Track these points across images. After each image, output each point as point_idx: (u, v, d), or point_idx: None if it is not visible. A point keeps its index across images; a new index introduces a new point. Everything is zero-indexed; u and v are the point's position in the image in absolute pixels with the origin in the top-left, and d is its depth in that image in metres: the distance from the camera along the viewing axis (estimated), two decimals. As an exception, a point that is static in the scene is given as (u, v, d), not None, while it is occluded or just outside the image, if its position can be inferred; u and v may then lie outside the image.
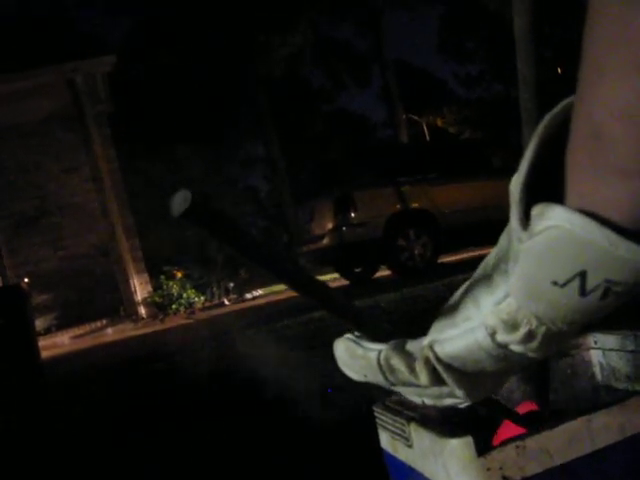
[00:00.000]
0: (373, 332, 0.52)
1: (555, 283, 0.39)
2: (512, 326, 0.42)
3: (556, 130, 0.41)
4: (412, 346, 0.48)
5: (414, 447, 0.74)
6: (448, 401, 0.51)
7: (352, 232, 8.80)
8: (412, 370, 0.47)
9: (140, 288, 12.74)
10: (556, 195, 0.40)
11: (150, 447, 2.45)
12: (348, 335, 0.53)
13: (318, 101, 29.00)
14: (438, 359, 0.46)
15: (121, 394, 3.97)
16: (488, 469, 0.63)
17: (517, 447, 0.64)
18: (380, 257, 9.19)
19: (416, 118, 28.08)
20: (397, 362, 0.47)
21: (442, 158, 9.72)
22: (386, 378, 0.49)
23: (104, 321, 12.04)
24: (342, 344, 0.53)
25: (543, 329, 0.42)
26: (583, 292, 0.38)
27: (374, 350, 0.50)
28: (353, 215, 8.84)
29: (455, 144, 14.39)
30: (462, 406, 0.57)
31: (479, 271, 0.47)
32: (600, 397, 0.92)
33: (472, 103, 31.78)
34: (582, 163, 0.38)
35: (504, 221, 0.44)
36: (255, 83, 24.01)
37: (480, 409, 0.76)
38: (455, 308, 0.48)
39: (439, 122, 31.49)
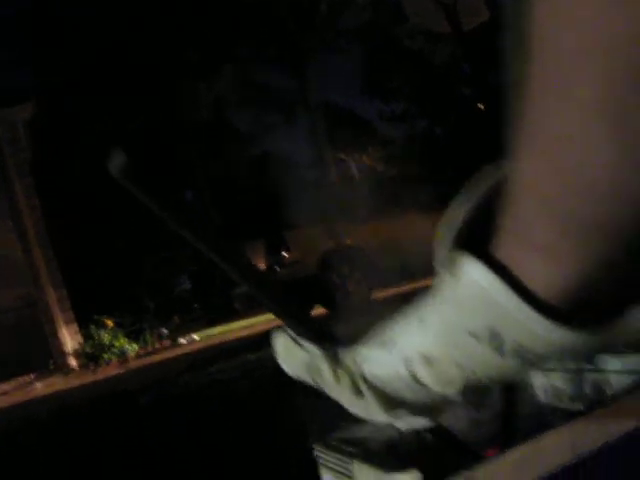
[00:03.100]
0: (310, 332, 0.51)
1: (472, 335, 0.39)
2: (432, 366, 0.42)
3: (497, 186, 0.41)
4: (343, 354, 0.48)
5: (359, 485, 0.70)
6: (377, 417, 0.50)
7: (285, 272, 8.79)
8: (337, 378, 0.47)
9: (70, 339, 12.39)
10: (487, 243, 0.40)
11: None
12: (288, 330, 0.53)
13: (245, 144, 29.09)
14: (361, 374, 0.46)
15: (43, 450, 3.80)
16: (438, 503, 0.60)
17: (466, 478, 0.61)
18: (314, 295, 9.19)
19: (343, 157, 28.43)
20: (325, 367, 0.48)
21: (371, 195, 9.85)
22: (314, 380, 0.50)
23: (32, 375, 11.62)
24: (281, 338, 0.53)
25: (462, 376, 0.42)
26: (498, 350, 0.38)
27: (307, 351, 0.50)
28: (286, 255, 8.84)
29: (383, 181, 14.64)
30: (404, 429, 0.55)
31: (418, 301, 0.46)
32: (547, 419, 0.91)
33: (398, 140, 32.45)
34: (505, 228, 0.38)
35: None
36: (181, 128, 23.94)
37: (425, 436, 0.73)
38: (389, 330, 0.47)
39: (366, 160, 31.98)
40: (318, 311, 10.11)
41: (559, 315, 0.36)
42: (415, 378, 0.43)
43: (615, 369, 0.85)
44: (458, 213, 0.42)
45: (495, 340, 0.38)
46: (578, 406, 0.88)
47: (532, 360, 0.39)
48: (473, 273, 0.38)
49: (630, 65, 0.27)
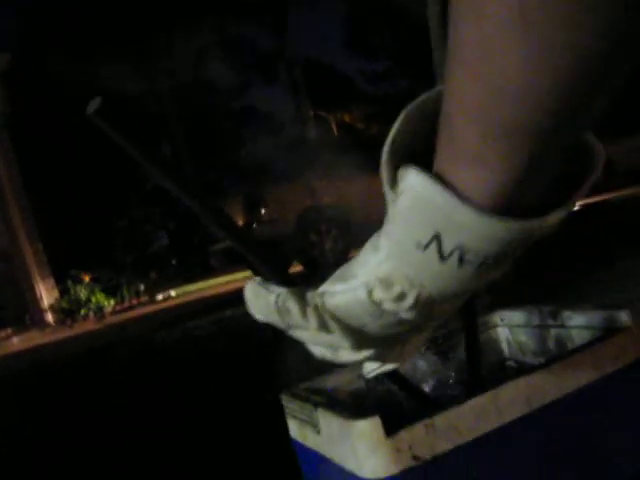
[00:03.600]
0: (279, 278, 0.54)
1: (418, 245, 0.41)
2: (386, 285, 0.45)
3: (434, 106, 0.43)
4: (309, 293, 0.51)
5: (322, 433, 0.72)
6: (345, 355, 0.53)
7: (263, 229, 8.77)
8: (304, 314, 0.49)
9: (46, 294, 12.34)
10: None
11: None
12: (257, 278, 0.55)
13: (225, 100, 28.76)
14: (325, 308, 0.49)
15: (21, 406, 3.82)
16: (398, 450, 0.62)
17: (426, 426, 0.63)
18: (292, 253, 9.19)
19: (324, 114, 28.21)
20: (292, 305, 0.50)
21: (350, 153, 9.81)
22: (282, 319, 0.52)
23: (9, 330, 11.58)
24: (250, 285, 0.55)
25: (414, 292, 0.44)
26: (442, 256, 0.41)
27: (275, 293, 0.52)
28: (263, 212, 8.81)
29: (363, 139, 14.56)
30: (369, 375, 0.59)
31: (374, 235, 0.49)
32: (507, 372, 0.93)
33: (379, 99, 32.23)
34: (441, 144, 0.41)
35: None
36: (160, 82, 23.58)
37: (388, 385, 0.74)
38: (349, 265, 0.50)
39: (347, 118, 31.79)
40: (295, 268, 10.14)
41: (489, 211, 0.39)
42: (373, 301, 0.46)
43: (577, 325, 0.86)
44: (392, 132, 0.45)
45: (436, 245, 0.40)
46: (540, 360, 0.90)
47: (471, 261, 0.41)
48: (409, 181, 0.41)
49: None
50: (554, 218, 0.41)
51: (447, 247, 0.40)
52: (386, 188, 0.44)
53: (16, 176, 12.24)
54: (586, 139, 0.43)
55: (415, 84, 30.72)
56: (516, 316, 0.95)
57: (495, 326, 0.98)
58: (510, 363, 0.96)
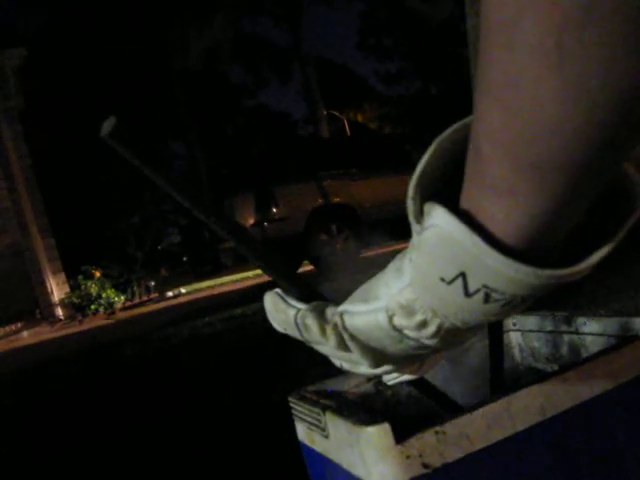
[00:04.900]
0: (298, 291, 0.54)
1: (443, 280, 0.41)
2: (408, 313, 0.45)
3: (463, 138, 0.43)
4: (329, 311, 0.51)
5: (330, 437, 0.71)
6: (362, 369, 0.53)
7: (274, 227, 8.76)
8: (323, 332, 0.50)
9: (57, 289, 12.38)
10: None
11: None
12: (277, 290, 0.55)
13: (238, 97, 28.80)
14: (345, 327, 0.49)
15: (28, 400, 3.83)
16: (407, 457, 0.60)
17: (437, 433, 0.62)
18: (302, 252, 9.18)
19: (337, 114, 28.21)
20: (311, 322, 0.50)
21: (363, 153, 9.79)
22: (302, 335, 0.52)
23: (19, 324, 11.63)
24: (270, 297, 0.55)
25: (437, 321, 0.44)
26: (467, 293, 0.40)
27: (295, 307, 0.53)
28: (274, 210, 8.81)
29: (375, 139, 14.53)
30: (389, 383, 0.59)
31: (398, 256, 0.49)
32: (520, 378, 0.91)
33: (392, 100, 32.21)
34: (470, 176, 0.40)
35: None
36: (173, 78, 23.63)
37: (400, 391, 0.73)
38: (371, 286, 0.50)
39: (360, 118, 31.78)
40: (306, 268, 10.14)
41: (519, 253, 0.38)
42: (394, 326, 0.46)
43: (592, 332, 0.85)
44: (420, 165, 0.45)
45: (461, 282, 0.40)
46: (553, 367, 0.89)
47: (498, 299, 0.40)
48: (437, 218, 0.40)
49: (568, 7, 0.29)
50: (590, 262, 0.39)
51: (472, 285, 0.40)
52: (412, 220, 0.44)
53: (29, 170, 12.29)
54: (626, 173, 0.41)
55: (427, 85, 30.70)
56: (529, 321, 0.94)
57: (507, 330, 0.96)
58: (522, 368, 0.95)
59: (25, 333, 11.26)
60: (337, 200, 9.07)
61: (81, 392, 3.60)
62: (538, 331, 0.92)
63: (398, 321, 0.46)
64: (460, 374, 0.89)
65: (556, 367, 0.87)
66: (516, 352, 0.96)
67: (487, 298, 0.40)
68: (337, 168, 9.27)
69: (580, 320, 0.86)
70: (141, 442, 2.21)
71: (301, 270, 10.15)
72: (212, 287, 12.32)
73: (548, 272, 0.38)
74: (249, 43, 27.11)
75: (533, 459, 0.65)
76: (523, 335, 0.95)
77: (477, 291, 0.40)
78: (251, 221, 9.00)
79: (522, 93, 0.32)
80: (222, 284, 12.27)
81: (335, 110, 28.69)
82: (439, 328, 0.45)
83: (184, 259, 22.40)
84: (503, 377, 0.77)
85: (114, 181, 21.00)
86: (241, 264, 11.37)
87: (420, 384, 0.70)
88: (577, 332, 0.87)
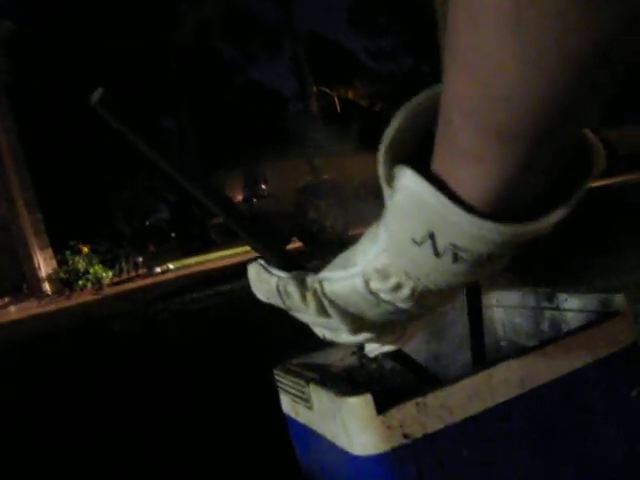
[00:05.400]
0: (280, 261, 0.55)
1: (414, 241, 0.42)
2: (383, 276, 0.47)
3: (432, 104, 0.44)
4: (309, 278, 0.53)
5: (314, 409, 0.72)
6: (343, 337, 0.54)
7: (262, 204, 8.75)
8: (304, 298, 0.51)
9: (44, 264, 12.32)
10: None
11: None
12: (260, 260, 0.57)
13: (228, 73, 28.56)
14: (324, 293, 0.50)
15: (16, 375, 3.83)
16: (388, 427, 0.62)
17: (417, 404, 0.63)
18: (291, 229, 9.18)
19: (327, 91, 28.05)
20: (292, 289, 0.52)
21: (353, 130, 9.76)
22: (284, 302, 0.54)
23: (6, 299, 11.59)
24: (253, 267, 0.57)
25: (410, 284, 0.46)
26: (437, 253, 0.42)
27: (277, 276, 0.54)
28: (263, 187, 8.79)
29: (366, 117, 14.47)
30: (371, 355, 0.60)
31: (374, 224, 0.50)
32: (501, 353, 0.93)
33: (383, 77, 32.04)
34: (439, 142, 0.41)
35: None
36: (163, 53, 23.41)
37: (384, 364, 0.74)
38: (349, 254, 0.52)
39: (350, 95, 31.62)
40: (295, 245, 10.14)
41: (484, 214, 0.40)
42: (370, 290, 0.48)
43: (572, 308, 0.86)
44: (390, 130, 0.46)
45: (430, 243, 0.42)
46: (535, 342, 0.90)
47: (466, 259, 0.42)
48: (405, 179, 0.41)
49: None
50: (549, 220, 0.41)
51: (441, 245, 0.41)
52: (383, 184, 0.46)
53: (16, 144, 12.17)
54: (584, 137, 0.43)
55: (419, 63, 30.54)
56: (511, 297, 0.95)
57: (490, 306, 0.97)
58: (504, 344, 0.96)
59: (12, 308, 11.21)
60: (327, 177, 9.05)
61: (70, 367, 3.61)
62: (520, 307, 0.93)
63: (374, 285, 0.47)
64: (444, 349, 0.90)
65: (537, 342, 0.88)
66: (499, 328, 0.97)
67: (455, 258, 0.42)
68: (327, 145, 9.24)
69: (561, 296, 0.87)
70: (130, 416, 2.22)
71: (290, 247, 10.14)
72: (201, 263, 12.31)
73: (509, 228, 0.40)
74: (240, 19, 26.83)
75: (512, 430, 0.66)
76: (505, 311, 0.96)
77: (445, 251, 0.41)
78: (239, 197, 8.98)
79: (485, 57, 0.33)
80: (210, 260, 12.26)
81: (325, 86, 28.52)
82: (412, 291, 0.46)
83: (172, 235, 22.33)
84: (484, 350, 0.79)
85: (103, 156, 20.85)
86: (230, 241, 11.35)
87: (401, 357, 0.71)
88: (558, 308, 0.88)
